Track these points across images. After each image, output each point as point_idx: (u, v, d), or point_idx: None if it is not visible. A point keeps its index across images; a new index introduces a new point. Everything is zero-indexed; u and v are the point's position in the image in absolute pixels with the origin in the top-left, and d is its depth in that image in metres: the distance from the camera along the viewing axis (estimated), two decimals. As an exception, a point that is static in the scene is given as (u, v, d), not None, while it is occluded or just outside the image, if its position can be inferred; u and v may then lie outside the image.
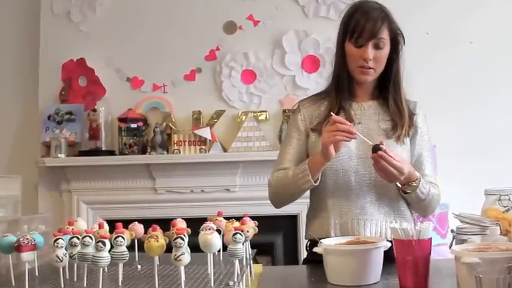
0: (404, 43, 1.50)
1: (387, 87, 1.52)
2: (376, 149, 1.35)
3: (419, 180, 1.42)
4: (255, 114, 2.96)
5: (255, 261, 1.54)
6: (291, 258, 2.89)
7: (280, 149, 1.61)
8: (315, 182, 1.44)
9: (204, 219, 1.28)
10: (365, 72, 1.47)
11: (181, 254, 0.97)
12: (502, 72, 2.95)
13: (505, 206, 1.37)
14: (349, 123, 1.39)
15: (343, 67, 1.51)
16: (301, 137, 1.55)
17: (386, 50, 1.47)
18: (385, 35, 1.46)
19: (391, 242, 1.21)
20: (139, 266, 1.25)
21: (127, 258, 1.03)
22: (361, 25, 1.44)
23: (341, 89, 1.52)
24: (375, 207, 1.48)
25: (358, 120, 1.51)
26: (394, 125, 1.49)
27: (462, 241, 1.29)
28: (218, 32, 3.01)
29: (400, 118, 1.49)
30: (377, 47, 1.45)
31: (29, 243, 1.07)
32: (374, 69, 1.47)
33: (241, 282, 1.08)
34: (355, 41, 1.45)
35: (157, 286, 1.02)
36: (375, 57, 1.45)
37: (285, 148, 1.57)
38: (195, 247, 1.04)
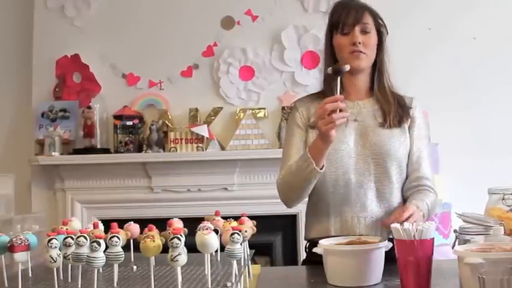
0: (387, 33, 1.54)
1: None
2: (338, 70, 1.37)
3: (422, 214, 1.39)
4: (253, 111, 2.94)
5: (254, 261, 1.53)
6: (290, 258, 2.89)
7: (283, 148, 1.59)
8: (320, 169, 1.40)
9: (201, 219, 1.27)
10: (357, 56, 1.49)
11: (178, 255, 0.95)
12: (505, 69, 2.94)
13: (509, 206, 1.36)
14: (341, 97, 1.34)
15: (332, 65, 1.52)
16: (302, 133, 1.55)
17: (373, 36, 1.51)
18: (369, 20, 1.51)
19: (392, 241, 1.19)
20: (134, 267, 1.24)
21: (122, 258, 1.01)
22: (344, 14, 1.50)
23: (331, 88, 1.51)
24: (375, 204, 1.48)
25: (353, 117, 1.51)
26: (385, 116, 1.51)
27: (465, 241, 1.28)
28: (216, 27, 2.99)
29: (386, 103, 1.52)
30: (364, 31, 1.49)
31: (22, 244, 1.05)
32: (365, 53, 1.49)
33: (239, 283, 1.07)
34: (341, 29, 1.50)
35: (153, 287, 1.00)
36: (363, 42, 1.49)
37: (289, 146, 1.55)
38: (192, 247, 1.03)
